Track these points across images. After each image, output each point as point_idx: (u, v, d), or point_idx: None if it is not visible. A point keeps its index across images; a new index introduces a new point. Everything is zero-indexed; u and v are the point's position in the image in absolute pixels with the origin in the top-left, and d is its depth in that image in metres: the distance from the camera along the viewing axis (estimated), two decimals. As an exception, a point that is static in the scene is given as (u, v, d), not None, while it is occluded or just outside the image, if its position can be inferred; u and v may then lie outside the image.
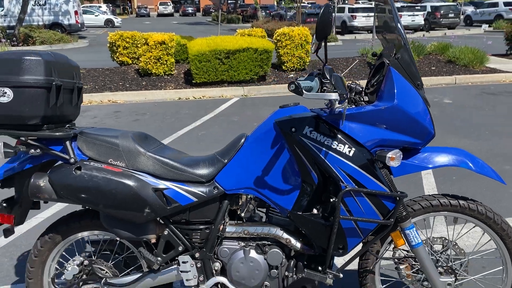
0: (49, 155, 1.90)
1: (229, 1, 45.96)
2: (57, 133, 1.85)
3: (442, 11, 26.25)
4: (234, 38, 8.62)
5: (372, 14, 25.61)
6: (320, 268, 1.90)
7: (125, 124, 6.31)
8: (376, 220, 1.76)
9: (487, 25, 25.71)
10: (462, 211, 1.93)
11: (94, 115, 6.90)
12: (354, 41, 20.55)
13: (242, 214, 1.98)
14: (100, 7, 37.04)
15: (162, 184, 1.87)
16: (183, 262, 1.92)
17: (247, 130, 5.81)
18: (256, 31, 9.97)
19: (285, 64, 9.01)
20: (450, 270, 1.98)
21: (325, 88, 1.70)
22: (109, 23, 32.97)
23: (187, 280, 1.93)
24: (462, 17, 28.34)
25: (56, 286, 2.06)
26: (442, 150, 1.88)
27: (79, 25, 22.50)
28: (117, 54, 9.17)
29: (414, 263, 2.04)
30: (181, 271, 1.93)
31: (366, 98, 1.90)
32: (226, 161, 1.91)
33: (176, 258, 1.97)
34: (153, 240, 1.95)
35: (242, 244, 1.94)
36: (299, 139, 1.78)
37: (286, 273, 1.93)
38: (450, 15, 26.28)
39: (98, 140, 1.90)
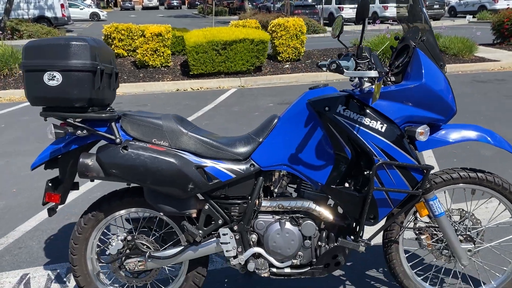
0: (94, 136, 2.00)
1: (215, -7, 45.79)
2: (104, 115, 1.95)
3: (427, 2, 26.55)
4: (230, 29, 8.71)
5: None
6: (352, 237, 2.04)
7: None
8: (407, 190, 1.90)
9: (471, 16, 26.12)
10: (480, 183, 2.08)
11: (95, 106, 6.94)
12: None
13: (275, 190, 2.12)
14: (84, 0, 36.54)
15: (203, 162, 1.99)
16: (223, 234, 2.05)
17: (249, 119, 5.93)
18: (250, 22, 10.07)
19: (280, 55, 9.13)
20: (468, 238, 2.14)
21: (359, 68, 1.83)
22: (94, 16, 32.60)
23: (227, 251, 2.06)
24: (446, 8, 28.75)
25: (101, 261, 2.16)
26: (461, 127, 2.03)
27: (66, 19, 22.25)
28: (112, 46, 9.17)
29: (434, 232, 2.19)
30: (221, 243, 2.05)
31: (392, 79, 2.04)
32: (261, 139, 2.04)
33: (215, 231, 2.09)
34: (194, 215, 2.07)
35: (277, 217, 2.07)
36: (333, 118, 1.91)
37: (319, 243, 2.07)
38: (435, 6, 26.64)
39: (141, 121, 2.01)
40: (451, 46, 9.88)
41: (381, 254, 2.68)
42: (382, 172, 1.89)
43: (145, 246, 2.13)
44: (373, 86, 1.96)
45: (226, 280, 2.53)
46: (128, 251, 2.13)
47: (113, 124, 1.98)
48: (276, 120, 2.05)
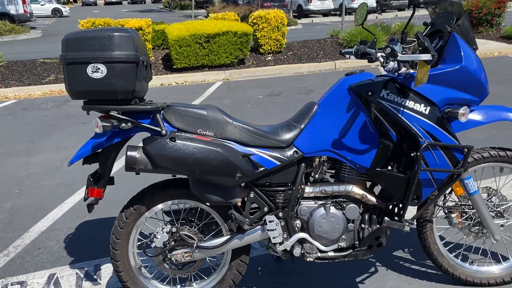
0: (138, 128, 1.97)
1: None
2: (148, 106, 1.93)
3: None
4: (212, 22, 8.65)
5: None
6: (395, 218, 2.11)
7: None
8: (450, 170, 1.98)
9: (434, 6, 26.86)
10: (509, 161, 2.19)
11: (79, 103, 6.77)
12: (312, 24, 20.92)
13: (316, 176, 2.16)
14: (44, -5, 35.25)
15: (249, 150, 2.00)
16: (270, 221, 2.07)
17: (242, 112, 5.94)
18: (229, 15, 10.02)
19: (263, 47, 9.15)
20: (499, 214, 2.25)
21: (404, 52, 1.89)
22: (56, 12, 31.58)
23: (273, 237, 2.08)
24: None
25: (147, 254, 2.14)
26: (489, 108, 2.13)
27: (28, 15, 21.45)
28: (90, 42, 8.93)
29: (464, 210, 2.29)
30: (268, 230, 2.07)
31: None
32: (302, 126, 2.06)
33: (260, 219, 2.11)
34: (239, 204, 2.08)
35: (320, 202, 2.11)
36: (377, 102, 1.96)
37: (362, 226, 2.12)
38: (401, -4, 27.25)
39: (186, 112, 1.99)
40: (426, 35, 10.16)
41: (400, 235, 2.78)
42: (427, 153, 1.96)
43: (189, 237, 2.13)
44: (410, 70, 2.03)
45: (259, 268, 2.56)
46: (173, 243, 2.12)
47: (157, 115, 1.96)
48: (316, 107, 2.08)
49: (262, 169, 2.00)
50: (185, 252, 2.11)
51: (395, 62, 2.02)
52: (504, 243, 2.38)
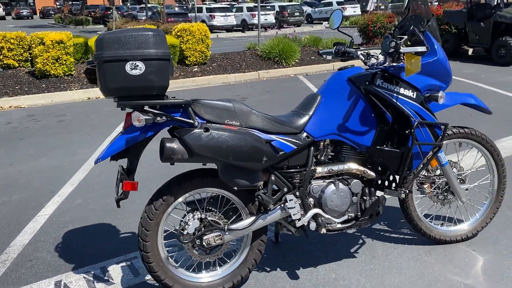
0: (171, 121, 2.10)
1: (72, 2, 43.10)
2: (182, 100, 2.08)
3: (289, 10, 28.86)
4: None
5: (230, 13, 26.99)
6: (393, 188, 2.48)
7: (54, 125, 5.98)
8: (435, 143, 2.41)
9: (327, 22, 29.11)
10: (467, 137, 2.69)
11: (7, 120, 6.33)
12: (218, 39, 21.33)
13: (322, 158, 2.46)
14: None
15: (270, 137, 2.24)
16: (290, 200, 2.32)
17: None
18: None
19: (188, 59, 9.29)
20: (461, 181, 2.74)
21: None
22: None
23: (293, 214, 2.33)
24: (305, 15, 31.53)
25: (181, 241, 2.24)
26: (456, 93, 2.62)
27: None
28: (1, 56, 8.33)
29: (433, 181, 2.75)
30: (288, 208, 2.32)
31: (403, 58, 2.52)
32: (311, 113, 2.36)
33: (280, 200, 2.34)
34: (261, 186, 2.30)
35: (327, 181, 2.41)
36: (374, 90, 2.33)
37: (364, 198, 2.46)
38: (296, 14, 29.08)
39: (213, 104, 2.17)
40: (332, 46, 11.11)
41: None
42: (417, 130, 2.37)
43: (216, 222, 2.28)
44: (393, 63, 2.43)
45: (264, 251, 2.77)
46: (203, 228, 2.26)
47: (189, 109, 2.11)
48: (319, 97, 2.39)
49: (282, 153, 2.25)
50: (216, 236, 2.26)
51: (378, 57, 2.42)
52: (465, 207, 2.89)
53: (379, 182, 2.54)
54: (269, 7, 28.87)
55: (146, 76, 2.00)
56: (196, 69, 9.26)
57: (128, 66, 1.98)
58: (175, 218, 2.35)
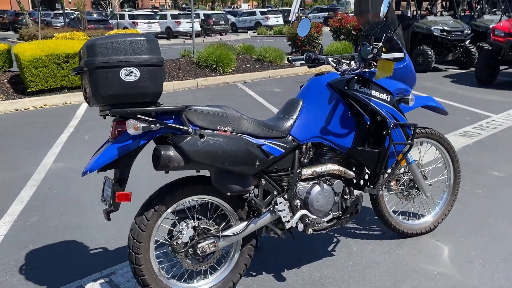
0: (164, 129, 2.06)
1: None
2: (176, 107, 2.05)
3: (214, 19, 28.96)
4: (70, 41, 8.16)
5: (154, 21, 26.53)
6: (370, 187, 2.62)
7: (-22, 140, 5.48)
8: (408, 142, 2.59)
9: (252, 31, 29.70)
10: (428, 136, 2.93)
11: None
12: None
13: (305, 160, 2.54)
14: None
15: (260, 141, 2.27)
16: (280, 203, 2.36)
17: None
18: (78, 35, 9.55)
19: (123, 67, 8.98)
20: (424, 177, 2.97)
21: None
22: None
23: (283, 217, 2.37)
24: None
25: (176, 251, 2.19)
26: (418, 96, 2.84)
27: None
28: None
29: (398, 178, 2.94)
30: (279, 211, 2.36)
31: (375, 63, 2.69)
32: (295, 117, 2.43)
33: (270, 203, 2.38)
34: (252, 190, 2.32)
35: (312, 182, 2.50)
36: (353, 94, 2.46)
37: (344, 197, 2.58)
38: (221, 22, 29.26)
39: (206, 110, 2.16)
40: (267, 55, 11.39)
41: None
42: (393, 131, 2.53)
43: (208, 230, 2.26)
44: (366, 69, 2.58)
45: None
46: (197, 236, 2.22)
47: (183, 115, 2.08)
48: (301, 102, 2.47)
49: (272, 157, 2.29)
50: (210, 243, 2.24)
51: (350, 63, 2.57)
52: (426, 201, 3.12)
53: (356, 181, 2.68)
54: (194, 15, 28.77)
55: (140, 82, 1.95)
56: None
57: (122, 73, 1.91)
58: (162, 227, 2.29)
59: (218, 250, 2.31)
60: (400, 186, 2.96)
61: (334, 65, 2.70)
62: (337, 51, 12.53)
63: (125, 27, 25.83)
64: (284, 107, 2.53)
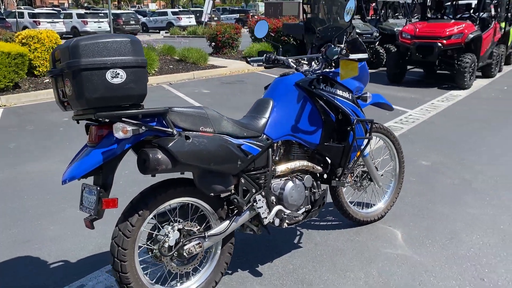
0: (150, 131, 2.02)
1: None
2: (161, 109, 2.03)
3: (124, 18, 27.95)
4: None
5: (58, 20, 24.93)
6: (336, 180, 2.77)
7: None
8: (367, 136, 2.79)
9: (164, 31, 29.16)
10: (377, 131, 3.17)
11: None
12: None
13: (277, 158, 2.63)
14: None
15: (239, 141, 2.32)
16: (259, 200, 2.43)
17: (59, 135, 5.53)
18: (-17, 35, 8.69)
19: (38, 69, 8.37)
20: (376, 168, 3.21)
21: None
22: None
23: (262, 213, 2.44)
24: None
25: (163, 255, 2.15)
26: (373, 94, 3.06)
27: None
28: None
29: (352, 170, 3.15)
30: (258, 207, 2.42)
31: (333, 64, 2.85)
32: (267, 116, 2.51)
33: (249, 200, 2.43)
34: (233, 190, 2.36)
35: (284, 179, 2.60)
36: (319, 93, 2.60)
37: (313, 191, 2.71)
38: (131, 22, 28.33)
39: (189, 112, 2.15)
40: (189, 56, 11.31)
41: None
42: (355, 127, 2.71)
43: (191, 231, 2.26)
44: (326, 69, 2.74)
45: (219, 255, 2.80)
46: (183, 238, 2.21)
47: (167, 117, 2.05)
48: (272, 101, 2.56)
49: (250, 156, 2.35)
50: (196, 244, 2.24)
51: (311, 64, 2.72)
52: (376, 190, 3.38)
53: (322, 175, 2.83)
54: (101, 14, 27.55)
55: (127, 84, 1.90)
56: (48, 80, 8.40)
57: (109, 75, 1.85)
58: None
59: (203, 250, 2.31)
60: (354, 178, 3.17)
61: (294, 66, 2.83)
62: (258, 52, 12.87)
63: (26, 27, 23.91)
64: (255, 107, 2.60)
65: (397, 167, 3.37)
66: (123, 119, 1.93)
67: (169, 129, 2.05)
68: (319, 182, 2.76)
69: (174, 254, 2.20)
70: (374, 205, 3.35)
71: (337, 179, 2.79)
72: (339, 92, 2.68)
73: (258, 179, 2.46)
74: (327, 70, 2.73)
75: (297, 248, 2.92)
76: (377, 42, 11.52)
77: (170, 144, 2.00)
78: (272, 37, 13.53)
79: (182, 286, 2.34)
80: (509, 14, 10.72)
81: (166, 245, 2.16)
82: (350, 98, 2.72)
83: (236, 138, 2.31)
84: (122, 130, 1.88)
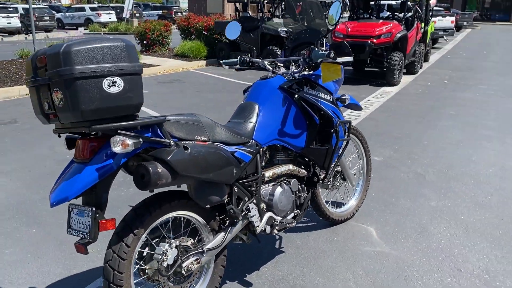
0: (144, 144, 1.86)
1: None
2: (157, 119, 1.88)
3: (37, 14, 26.00)
4: None
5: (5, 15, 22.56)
6: (320, 182, 2.76)
7: None
8: (348, 138, 2.81)
9: (83, 28, 27.60)
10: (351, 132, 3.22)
11: None
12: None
13: (263, 163, 2.56)
14: None
15: (232, 149, 2.23)
16: (252, 209, 2.35)
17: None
18: None
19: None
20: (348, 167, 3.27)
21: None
22: None
23: (255, 222, 2.37)
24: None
25: (163, 275, 1.99)
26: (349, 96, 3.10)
27: None
28: None
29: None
30: (251, 216, 2.35)
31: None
32: (254, 121, 2.44)
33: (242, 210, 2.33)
34: (225, 200, 2.25)
35: (271, 184, 2.54)
36: (303, 96, 2.58)
37: (299, 194, 2.69)
38: (46, 18, 26.47)
39: (183, 120, 2.02)
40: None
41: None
42: (338, 128, 2.72)
43: (187, 247, 2.13)
44: (304, 72, 2.72)
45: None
46: (180, 255, 2.07)
47: (164, 128, 1.91)
48: (257, 106, 2.49)
49: (243, 163, 2.27)
50: (194, 260, 2.11)
51: (290, 67, 2.70)
52: (346, 188, 3.43)
53: (305, 179, 2.81)
54: (11, 9, 25.41)
55: (125, 93, 1.73)
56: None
57: (105, 83, 1.67)
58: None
59: (201, 266, 2.19)
60: (328, 178, 3.19)
61: (271, 68, 2.78)
62: (190, 50, 12.64)
63: None
64: (239, 112, 2.51)
65: (365, 165, 3.45)
66: (119, 131, 1.76)
67: (166, 140, 1.90)
68: (303, 185, 2.74)
69: (172, 273, 2.06)
70: (345, 204, 3.41)
71: (321, 181, 2.78)
72: (322, 94, 2.67)
73: (250, 187, 2.38)
74: (306, 72, 2.71)
75: (280, 253, 2.88)
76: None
77: (170, 156, 1.86)
78: (204, 35, 13.34)
79: (178, 305, 2.19)
80: (427, 15, 11.53)
81: (165, 264, 2.01)
82: (331, 100, 2.73)
83: (228, 146, 2.22)
84: (122, 144, 1.71)
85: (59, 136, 1.93)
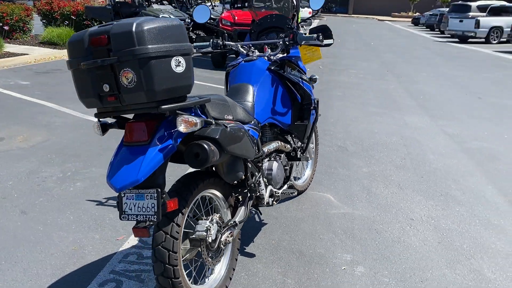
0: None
1: None
2: (204, 98, 1.93)
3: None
4: None
5: None
6: (300, 155, 3.01)
7: None
8: (319, 114, 3.11)
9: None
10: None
11: None
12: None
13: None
14: None
15: (245, 127, 2.35)
16: (262, 183, 2.50)
17: None
18: None
19: None
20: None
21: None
22: None
23: (264, 194, 2.53)
24: None
25: (211, 251, 2.04)
26: None
27: None
28: None
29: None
30: (261, 190, 2.50)
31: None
32: (251, 101, 2.58)
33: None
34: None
35: (267, 160, 2.72)
36: (288, 76, 2.80)
37: (285, 167, 2.91)
38: None
39: (217, 100, 2.08)
40: None
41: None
42: (317, 105, 2.99)
43: (223, 221, 2.22)
44: (279, 55, 2.94)
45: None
46: (218, 230, 2.14)
47: (205, 108, 1.96)
48: (251, 86, 2.63)
49: (256, 140, 2.42)
50: (229, 233, 2.20)
51: (267, 50, 2.91)
52: (302, 164, 3.75)
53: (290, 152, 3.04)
54: None
55: (186, 73, 1.76)
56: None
57: (173, 63, 1.68)
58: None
59: (234, 239, 2.29)
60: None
61: (245, 52, 2.92)
62: (60, 37, 11.62)
63: None
64: (234, 93, 2.60)
65: (314, 138, 3.82)
66: (177, 111, 1.78)
67: (209, 119, 1.96)
68: (287, 160, 2.97)
69: (216, 248, 2.14)
70: (302, 176, 3.73)
71: (302, 154, 3.05)
72: (301, 75, 2.92)
73: (258, 163, 2.53)
74: (281, 55, 2.92)
75: (263, 225, 3.09)
76: (191, 28, 11.83)
77: (218, 134, 1.93)
78: (73, 20, 12.37)
79: (211, 279, 2.26)
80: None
81: (210, 239, 2.07)
82: (308, 80, 3.00)
83: (244, 124, 2.34)
84: (189, 123, 1.74)
85: (99, 121, 1.84)
